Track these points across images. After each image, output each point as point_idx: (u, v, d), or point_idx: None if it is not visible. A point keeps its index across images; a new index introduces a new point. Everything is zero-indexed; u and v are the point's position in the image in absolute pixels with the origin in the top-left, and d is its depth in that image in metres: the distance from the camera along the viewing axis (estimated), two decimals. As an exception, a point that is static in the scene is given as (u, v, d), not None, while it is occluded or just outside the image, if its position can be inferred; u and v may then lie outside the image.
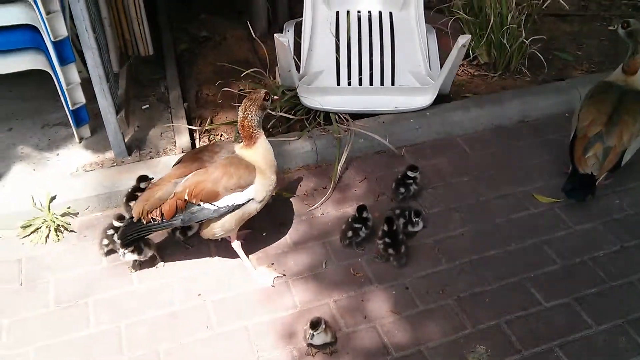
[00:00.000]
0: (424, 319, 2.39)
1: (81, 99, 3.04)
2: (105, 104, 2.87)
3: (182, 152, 3.07)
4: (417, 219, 2.71)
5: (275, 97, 2.85)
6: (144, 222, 2.33)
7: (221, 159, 2.36)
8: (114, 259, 2.61)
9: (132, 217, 2.38)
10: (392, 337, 2.32)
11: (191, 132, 3.26)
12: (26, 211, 2.74)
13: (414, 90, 3.28)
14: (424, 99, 3.27)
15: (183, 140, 3.15)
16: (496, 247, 2.69)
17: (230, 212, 2.34)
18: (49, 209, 2.74)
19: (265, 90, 2.38)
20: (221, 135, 3.31)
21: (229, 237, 2.53)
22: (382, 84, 3.33)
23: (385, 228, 2.55)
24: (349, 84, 3.33)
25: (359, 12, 3.48)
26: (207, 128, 3.32)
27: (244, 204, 2.35)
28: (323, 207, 2.90)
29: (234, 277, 2.55)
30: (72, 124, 3.09)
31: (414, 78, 3.35)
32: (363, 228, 2.64)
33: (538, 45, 3.71)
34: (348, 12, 3.46)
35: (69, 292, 2.48)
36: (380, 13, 3.47)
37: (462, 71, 3.84)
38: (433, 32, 3.71)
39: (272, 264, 2.62)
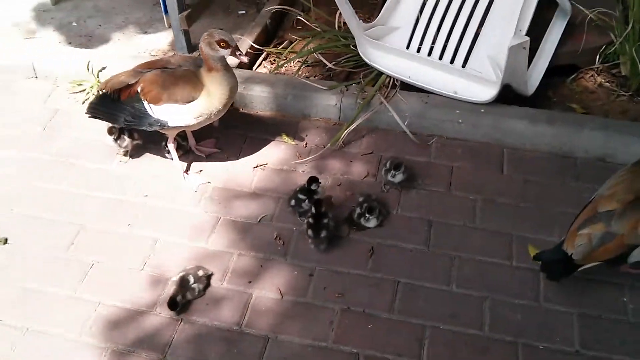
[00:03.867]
0: (299, 311, 2.28)
1: (169, -11, 3.29)
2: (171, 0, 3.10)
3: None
4: (369, 216, 2.48)
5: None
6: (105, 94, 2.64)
7: (182, 68, 2.52)
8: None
9: (101, 90, 2.69)
10: (254, 313, 2.27)
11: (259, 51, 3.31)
12: (85, 72, 3.19)
13: (480, 80, 2.81)
14: (485, 93, 2.79)
15: (240, 54, 3.23)
16: (434, 282, 2.35)
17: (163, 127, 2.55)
18: (97, 77, 3.15)
19: (223, 38, 2.38)
20: (279, 60, 3.29)
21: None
22: (452, 62, 2.91)
23: (313, 210, 2.42)
24: (418, 50, 2.99)
25: (462, -25, 3.00)
26: (268, 51, 3.33)
27: (175, 127, 2.55)
28: (309, 165, 2.80)
29: (183, 195, 2.69)
30: (162, 10, 3.40)
31: (490, 66, 2.85)
32: (306, 200, 2.53)
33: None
34: (451, -27, 3.01)
35: (69, 149, 2.88)
36: (484, -18, 2.95)
37: (590, 77, 3.12)
38: (565, 18, 3.03)
39: (201, 170, 2.79)
